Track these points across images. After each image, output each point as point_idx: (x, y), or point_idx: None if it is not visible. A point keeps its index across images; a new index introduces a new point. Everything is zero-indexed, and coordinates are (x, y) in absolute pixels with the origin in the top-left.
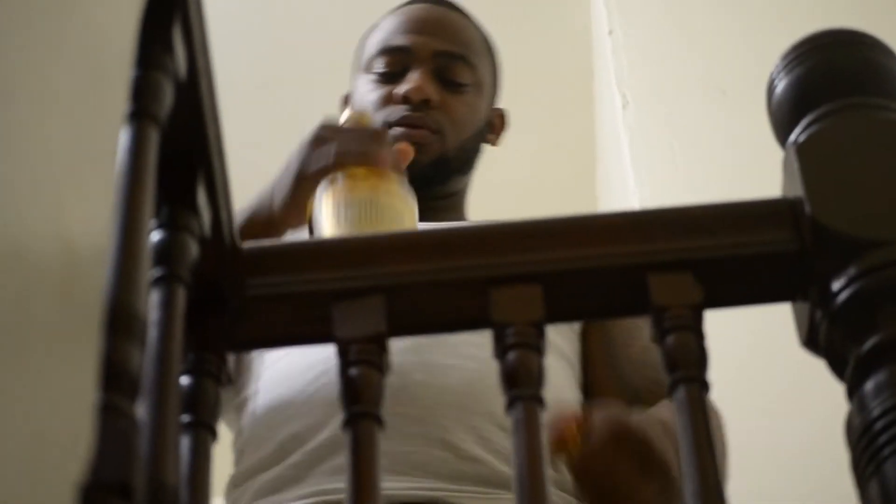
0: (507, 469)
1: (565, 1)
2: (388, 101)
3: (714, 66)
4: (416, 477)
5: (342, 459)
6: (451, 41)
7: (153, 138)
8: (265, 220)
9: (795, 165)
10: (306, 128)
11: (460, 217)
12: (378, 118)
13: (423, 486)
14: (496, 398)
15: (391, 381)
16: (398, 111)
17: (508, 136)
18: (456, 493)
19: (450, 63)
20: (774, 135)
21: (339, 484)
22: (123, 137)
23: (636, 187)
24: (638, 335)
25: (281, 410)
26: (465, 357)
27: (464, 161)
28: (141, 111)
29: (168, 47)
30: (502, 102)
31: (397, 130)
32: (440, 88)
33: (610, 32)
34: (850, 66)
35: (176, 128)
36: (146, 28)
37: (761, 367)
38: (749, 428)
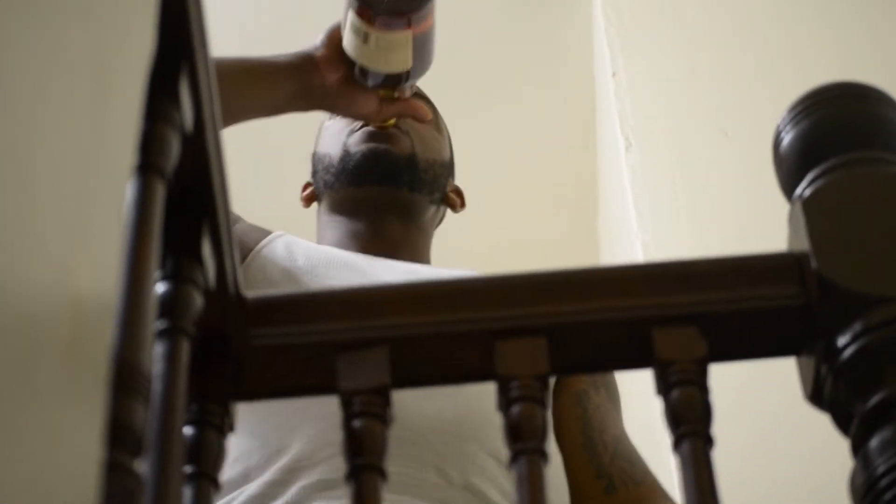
0: (500, 499)
1: (568, 43)
2: (351, 124)
3: (717, 107)
4: (407, 496)
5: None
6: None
7: (159, 192)
8: (301, 55)
9: (801, 220)
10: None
11: (424, 260)
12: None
13: None
14: (489, 428)
15: None
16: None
17: (511, 176)
18: None
19: None
20: (780, 188)
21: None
22: (129, 191)
23: (638, 230)
24: (612, 423)
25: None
26: (459, 386)
27: (431, 180)
28: (147, 165)
29: (175, 99)
30: (505, 143)
31: (364, 132)
32: None
33: (613, 74)
34: (857, 120)
35: (181, 178)
36: (154, 80)
37: (754, 411)
38: (740, 472)
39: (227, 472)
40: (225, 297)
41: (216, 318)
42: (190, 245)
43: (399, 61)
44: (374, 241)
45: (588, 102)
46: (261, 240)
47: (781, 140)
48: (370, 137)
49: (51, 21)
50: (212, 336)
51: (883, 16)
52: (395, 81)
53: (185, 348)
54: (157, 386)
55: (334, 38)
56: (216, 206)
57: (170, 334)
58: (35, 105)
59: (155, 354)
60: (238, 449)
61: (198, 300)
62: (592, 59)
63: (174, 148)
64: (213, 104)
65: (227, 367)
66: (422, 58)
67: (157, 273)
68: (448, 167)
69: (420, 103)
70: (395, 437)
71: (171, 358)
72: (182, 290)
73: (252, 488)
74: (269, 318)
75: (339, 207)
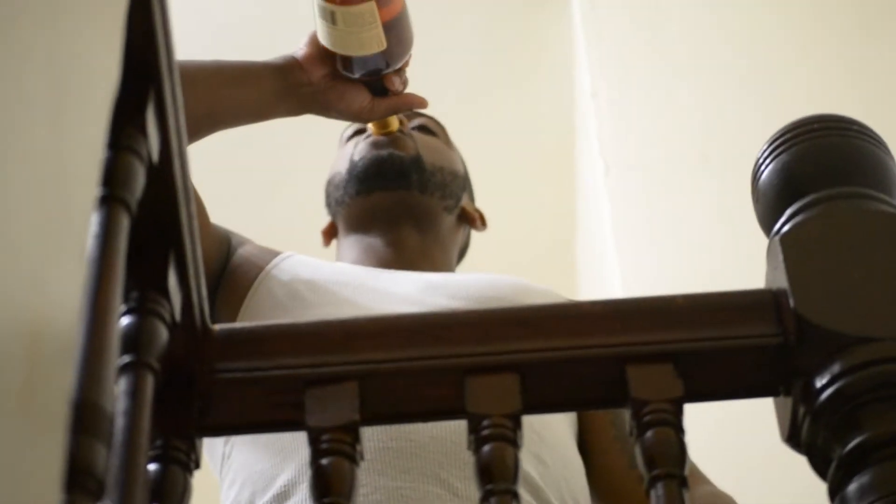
0: None
1: (548, 63)
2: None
3: (697, 131)
4: None
5: None
6: (417, 118)
7: (124, 225)
8: (283, 56)
9: (780, 257)
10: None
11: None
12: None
13: None
14: None
15: None
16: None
17: (489, 198)
18: None
19: (418, 124)
20: (759, 223)
21: None
22: (93, 224)
23: (616, 254)
24: None
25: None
26: None
27: (441, 183)
28: (112, 197)
29: (141, 129)
30: (483, 163)
31: (367, 142)
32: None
33: (593, 95)
34: (837, 155)
35: (147, 210)
36: (119, 109)
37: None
38: None
39: (238, 496)
40: (191, 330)
41: (181, 352)
42: (156, 277)
43: (372, 40)
44: (390, 255)
45: (567, 124)
46: (270, 261)
47: (760, 174)
48: (373, 145)
49: (11, 49)
50: (177, 370)
51: (864, 40)
52: (376, 66)
53: (149, 383)
54: (120, 423)
55: (315, 38)
56: (182, 238)
57: (134, 369)
58: None
59: (118, 390)
60: (246, 471)
61: (163, 334)
62: (573, 79)
63: (140, 179)
64: (181, 133)
65: (193, 402)
66: (399, 39)
67: (121, 307)
68: (461, 179)
69: (414, 94)
70: (395, 448)
71: (134, 394)
72: (147, 324)
73: None
74: (235, 351)
75: (353, 223)
